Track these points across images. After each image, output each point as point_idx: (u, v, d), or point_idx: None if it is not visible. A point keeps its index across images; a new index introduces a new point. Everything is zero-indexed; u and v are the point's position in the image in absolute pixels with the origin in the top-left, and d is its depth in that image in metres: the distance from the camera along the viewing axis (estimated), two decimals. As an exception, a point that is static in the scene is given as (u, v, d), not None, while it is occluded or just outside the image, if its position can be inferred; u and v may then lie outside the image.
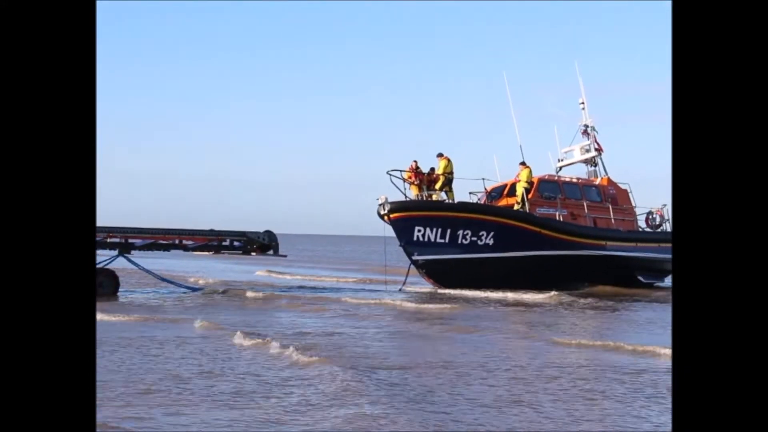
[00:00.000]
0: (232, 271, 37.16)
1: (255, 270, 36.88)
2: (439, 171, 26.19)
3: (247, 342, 12.64)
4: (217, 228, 24.17)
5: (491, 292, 23.85)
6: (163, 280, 24.84)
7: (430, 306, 20.31)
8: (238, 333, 13.30)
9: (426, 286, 26.03)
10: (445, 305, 20.40)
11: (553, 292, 23.25)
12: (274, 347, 11.89)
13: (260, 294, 22.99)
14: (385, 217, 25.35)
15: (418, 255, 25.23)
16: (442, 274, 25.43)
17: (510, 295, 23.16)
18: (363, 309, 19.33)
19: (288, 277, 34.00)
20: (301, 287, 27.10)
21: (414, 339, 14.22)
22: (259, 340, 12.73)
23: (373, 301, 21.28)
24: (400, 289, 25.34)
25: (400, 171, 25.74)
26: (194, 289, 24.62)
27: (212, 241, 23.85)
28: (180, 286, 24.86)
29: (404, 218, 25.09)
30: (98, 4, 5.24)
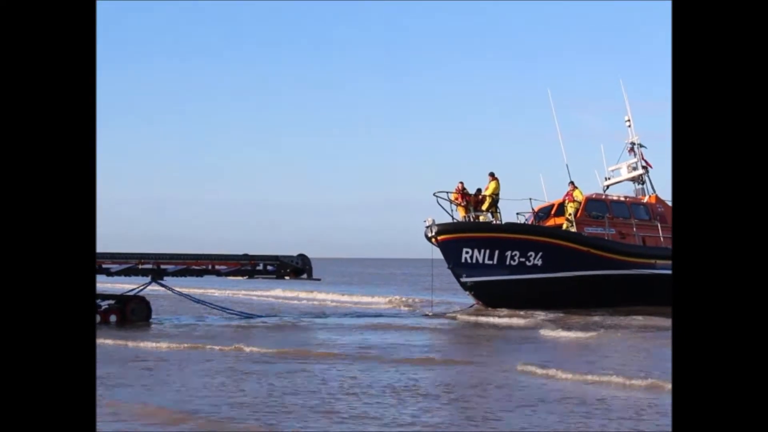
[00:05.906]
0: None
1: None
2: (488, 192, 25.96)
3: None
4: (250, 252, 23.69)
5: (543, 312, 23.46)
6: (206, 304, 24.70)
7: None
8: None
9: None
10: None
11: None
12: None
13: None
14: (433, 240, 25.15)
15: (467, 277, 25.01)
16: (491, 295, 25.17)
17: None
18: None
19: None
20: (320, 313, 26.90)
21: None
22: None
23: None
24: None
25: (447, 192, 25.54)
26: (248, 316, 24.01)
27: (245, 266, 23.48)
28: (232, 312, 24.44)
29: (452, 240, 24.89)
30: (101, 5, 5.17)
